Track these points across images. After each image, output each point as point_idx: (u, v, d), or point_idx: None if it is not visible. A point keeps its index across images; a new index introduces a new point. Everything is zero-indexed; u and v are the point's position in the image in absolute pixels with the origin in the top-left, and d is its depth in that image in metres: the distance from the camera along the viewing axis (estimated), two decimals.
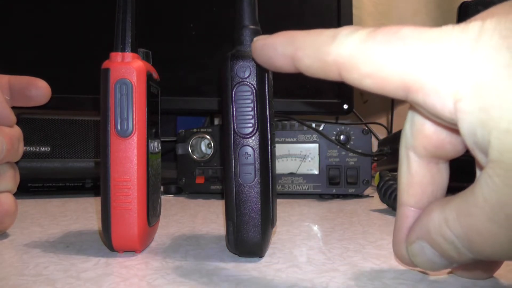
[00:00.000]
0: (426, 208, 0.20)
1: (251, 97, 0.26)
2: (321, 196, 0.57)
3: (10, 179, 0.32)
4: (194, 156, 0.57)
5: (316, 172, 0.56)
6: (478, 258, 0.18)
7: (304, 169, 0.56)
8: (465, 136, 0.17)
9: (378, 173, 0.51)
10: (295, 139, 0.56)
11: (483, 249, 0.17)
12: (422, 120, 0.21)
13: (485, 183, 0.16)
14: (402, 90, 0.18)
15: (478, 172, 0.20)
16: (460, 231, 0.18)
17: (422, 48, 0.17)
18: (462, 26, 0.17)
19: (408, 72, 0.17)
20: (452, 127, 0.18)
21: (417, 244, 0.20)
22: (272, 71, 0.24)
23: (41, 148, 0.55)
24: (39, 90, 0.35)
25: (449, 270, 0.24)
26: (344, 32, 0.19)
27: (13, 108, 0.34)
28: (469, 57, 0.16)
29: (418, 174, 0.22)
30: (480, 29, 0.16)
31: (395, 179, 0.47)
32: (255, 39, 0.25)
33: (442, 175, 0.22)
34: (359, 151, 0.55)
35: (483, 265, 0.23)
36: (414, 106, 0.20)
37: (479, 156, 0.17)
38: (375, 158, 0.71)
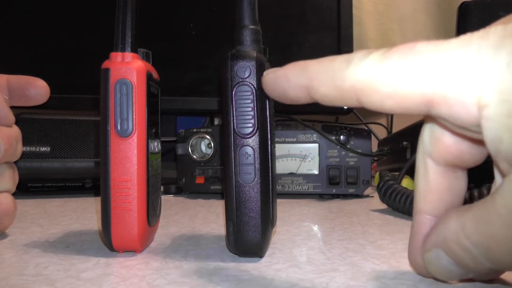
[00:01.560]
0: (443, 216, 0.20)
1: (251, 97, 0.26)
2: (321, 196, 0.57)
3: (9, 179, 0.32)
4: (194, 156, 0.57)
5: (316, 172, 0.56)
6: (495, 268, 0.18)
7: (304, 169, 0.56)
8: (489, 143, 0.16)
9: (378, 173, 0.51)
10: (295, 139, 0.56)
11: (501, 258, 0.17)
12: (441, 130, 0.21)
13: (508, 190, 0.16)
14: (425, 106, 0.17)
15: (497, 178, 0.19)
16: (478, 239, 0.17)
17: (440, 60, 0.17)
18: (482, 32, 0.16)
19: (428, 86, 0.17)
20: (475, 137, 0.18)
21: (433, 253, 0.20)
22: (286, 103, 0.24)
23: (41, 148, 0.55)
24: (38, 89, 0.35)
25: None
26: (358, 56, 0.19)
27: (13, 108, 0.34)
28: (491, 62, 0.16)
29: (435, 181, 0.22)
30: (503, 34, 0.16)
31: (395, 179, 0.47)
32: (264, 73, 0.24)
33: (459, 182, 0.22)
34: (359, 151, 0.55)
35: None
36: (437, 120, 0.19)
37: (501, 164, 0.17)
38: (375, 158, 0.71)
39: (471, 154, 0.21)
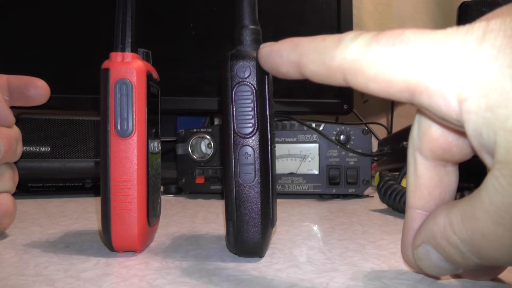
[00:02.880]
0: (432, 211, 0.20)
1: (251, 97, 0.26)
2: (321, 196, 0.57)
3: (8, 180, 0.32)
4: (194, 156, 0.57)
5: (316, 172, 0.56)
6: (484, 263, 0.18)
7: (304, 169, 0.56)
8: (471, 137, 0.17)
9: (378, 173, 0.51)
10: (295, 139, 0.56)
11: (489, 254, 0.17)
12: (428, 123, 0.21)
13: (491, 185, 0.16)
14: (407, 93, 0.18)
15: None
16: (465, 235, 0.18)
17: (426, 50, 0.17)
18: (467, 27, 0.17)
19: (412, 74, 0.17)
20: (458, 129, 0.18)
21: (423, 248, 0.20)
22: (279, 77, 0.25)
23: (41, 148, 0.55)
24: (38, 89, 0.35)
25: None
26: (348, 37, 0.19)
27: (13, 108, 0.34)
28: (473, 57, 0.16)
29: (425, 176, 0.22)
30: (485, 29, 0.16)
31: (395, 179, 0.47)
32: (261, 46, 0.25)
33: (450, 178, 0.22)
34: (359, 151, 0.55)
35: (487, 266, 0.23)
36: (420, 109, 0.20)
37: (485, 158, 0.17)
38: (375, 158, 0.71)
39: (458, 147, 0.21)
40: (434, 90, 0.17)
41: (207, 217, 0.43)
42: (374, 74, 0.18)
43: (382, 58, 0.18)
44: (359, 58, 0.19)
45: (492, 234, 0.16)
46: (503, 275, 0.24)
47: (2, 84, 0.34)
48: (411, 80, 0.17)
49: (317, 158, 0.56)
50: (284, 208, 0.48)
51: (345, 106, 0.70)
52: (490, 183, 0.16)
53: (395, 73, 0.18)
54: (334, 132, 0.56)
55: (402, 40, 0.18)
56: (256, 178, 0.26)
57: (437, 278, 0.23)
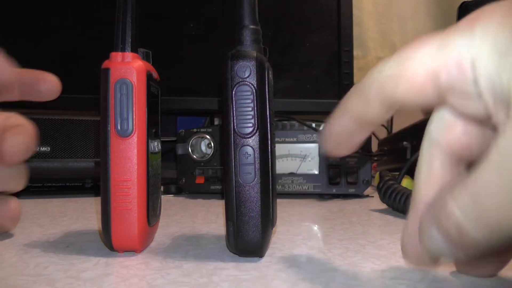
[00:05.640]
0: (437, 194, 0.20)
1: (251, 97, 0.26)
2: (321, 196, 0.57)
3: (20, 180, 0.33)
4: (194, 156, 0.57)
5: (316, 172, 0.56)
6: (484, 236, 0.16)
7: (304, 169, 0.56)
8: (484, 94, 0.17)
9: (378, 173, 0.51)
10: (295, 139, 0.56)
11: (491, 216, 0.16)
12: (453, 119, 0.21)
13: (503, 135, 0.15)
14: (432, 78, 0.18)
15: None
16: (466, 199, 0.16)
17: (431, 40, 0.18)
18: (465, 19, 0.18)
19: (433, 61, 0.18)
20: (479, 113, 0.18)
21: (428, 230, 0.19)
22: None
23: (41, 148, 0.55)
24: (49, 85, 0.35)
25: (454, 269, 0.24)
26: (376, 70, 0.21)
27: (14, 108, 0.34)
28: (474, 20, 0.17)
29: (438, 173, 0.21)
30: (480, 10, 0.17)
31: (395, 179, 0.47)
32: (321, 131, 0.25)
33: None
34: (359, 151, 0.55)
35: (488, 261, 0.23)
36: (448, 103, 0.19)
37: (499, 115, 0.16)
38: (375, 158, 0.71)
39: (478, 145, 0.21)
40: (451, 64, 0.17)
41: (207, 217, 0.43)
42: (404, 78, 0.19)
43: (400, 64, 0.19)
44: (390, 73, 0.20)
45: (496, 186, 0.15)
46: (504, 274, 0.24)
47: (13, 78, 0.34)
48: (431, 67, 0.18)
49: (317, 158, 0.56)
50: (284, 208, 0.48)
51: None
52: (501, 130, 0.16)
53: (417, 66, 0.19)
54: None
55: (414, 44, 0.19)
56: (256, 178, 0.26)
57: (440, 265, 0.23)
